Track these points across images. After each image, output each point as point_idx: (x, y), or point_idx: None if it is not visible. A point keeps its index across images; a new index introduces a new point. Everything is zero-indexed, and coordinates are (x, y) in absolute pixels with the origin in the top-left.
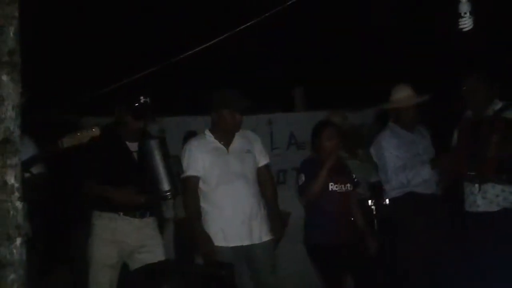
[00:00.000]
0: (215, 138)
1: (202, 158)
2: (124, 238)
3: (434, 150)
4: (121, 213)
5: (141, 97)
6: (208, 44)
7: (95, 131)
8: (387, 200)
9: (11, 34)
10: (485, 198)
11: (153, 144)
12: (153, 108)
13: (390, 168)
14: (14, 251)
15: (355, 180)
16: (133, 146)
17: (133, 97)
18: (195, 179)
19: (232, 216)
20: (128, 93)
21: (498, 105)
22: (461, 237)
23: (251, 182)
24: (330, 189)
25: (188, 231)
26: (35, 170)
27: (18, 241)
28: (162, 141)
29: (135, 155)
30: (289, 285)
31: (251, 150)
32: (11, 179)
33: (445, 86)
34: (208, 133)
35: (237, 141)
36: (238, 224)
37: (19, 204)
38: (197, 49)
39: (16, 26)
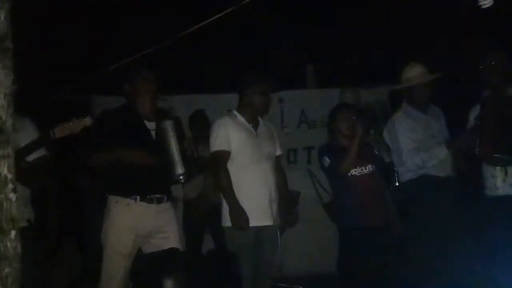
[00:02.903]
0: (245, 119)
1: (235, 135)
2: (140, 224)
3: (448, 131)
4: (138, 198)
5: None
6: (216, 17)
7: (87, 120)
8: (397, 183)
9: (2, 18)
10: (506, 181)
11: (167, 125)
12: (157, 82)
13: (405, 150)
14: (8, 244)
15: (379, 155)
16: (151, 125)
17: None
18: (228, 154)
19: (260, 196)
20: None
21: None
22: (477, 220)
23: (273, 166)
24: (349, 174)
25: (197, 211)
26: (33, 155)
27: (13, 234)
28: (177, 122)
29: (153, 133)
30: (298, 264)
31: (272, 137)
32: (4, 170)
33: (457, 65)
34: (237, 113)
35: (262, 126)
36: (265, 204)
37: (12, 196)
38: (205, 22)
39: (7, 10)
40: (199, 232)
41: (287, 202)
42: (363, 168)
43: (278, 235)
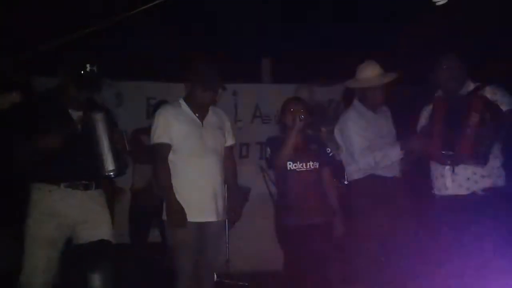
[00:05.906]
0: (190, 109)
1: (177, 126)
2: (64, 212)
3: (395, 131)
4: (62, 185)
5: (88, 65)
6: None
7: (15, 96)
8: (345, 182)
9: None
10: (455, 181)
11: (98, 117)
12: (100, 78)
13: (357, 149)
14: None
15: (330, 154)
16: (77, 115)
17: (79, 62)
18: (168, 147)
19: (202, 190)
20: (74, 56)
21: (471, 86)
22: (425, 220)
23: (220, 159)
24: (288, 168)
25: (144, 200)
26: None
27: None
28: (108, 113)
29: (77, 124)
30: (245, 261)
31: (222, 127)
32: None
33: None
34: (183, 102)
35: (211, 116)
36: (208, 200)
37: None
38: (155, 2)
39: None
40: (146, 223)
41: (234, 195)
42: (304, 164)
43: (226, 230)
